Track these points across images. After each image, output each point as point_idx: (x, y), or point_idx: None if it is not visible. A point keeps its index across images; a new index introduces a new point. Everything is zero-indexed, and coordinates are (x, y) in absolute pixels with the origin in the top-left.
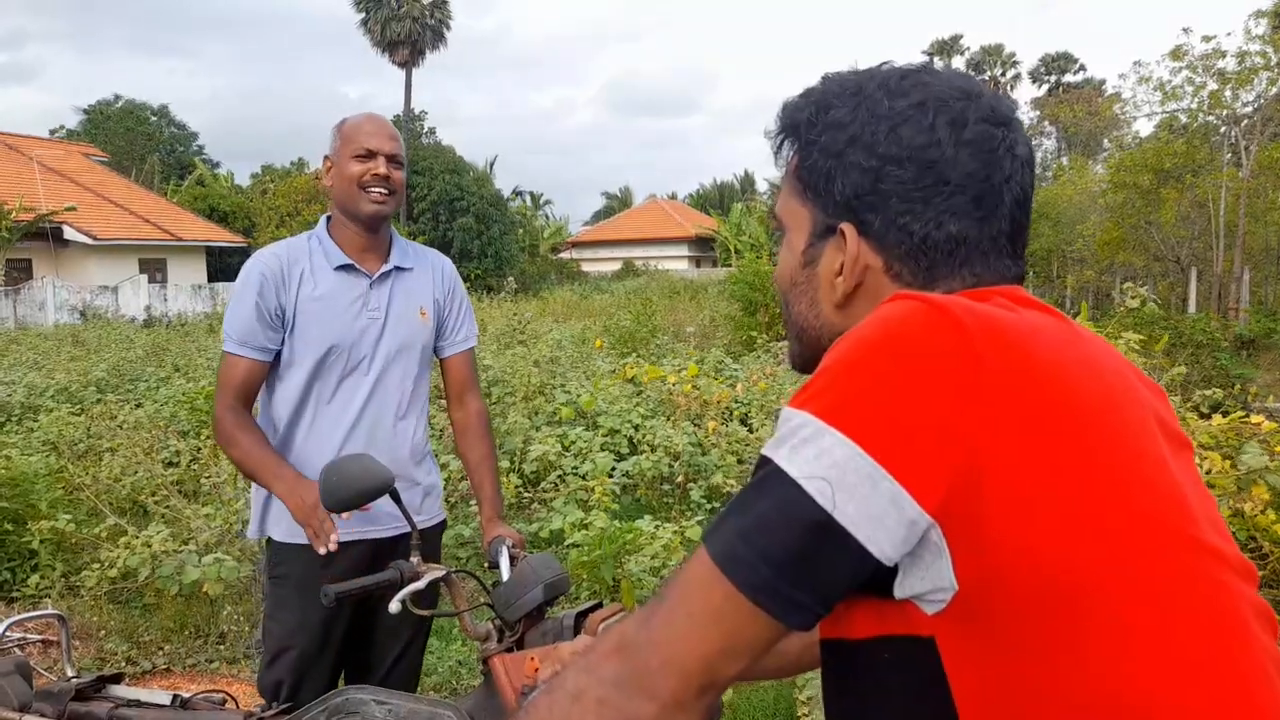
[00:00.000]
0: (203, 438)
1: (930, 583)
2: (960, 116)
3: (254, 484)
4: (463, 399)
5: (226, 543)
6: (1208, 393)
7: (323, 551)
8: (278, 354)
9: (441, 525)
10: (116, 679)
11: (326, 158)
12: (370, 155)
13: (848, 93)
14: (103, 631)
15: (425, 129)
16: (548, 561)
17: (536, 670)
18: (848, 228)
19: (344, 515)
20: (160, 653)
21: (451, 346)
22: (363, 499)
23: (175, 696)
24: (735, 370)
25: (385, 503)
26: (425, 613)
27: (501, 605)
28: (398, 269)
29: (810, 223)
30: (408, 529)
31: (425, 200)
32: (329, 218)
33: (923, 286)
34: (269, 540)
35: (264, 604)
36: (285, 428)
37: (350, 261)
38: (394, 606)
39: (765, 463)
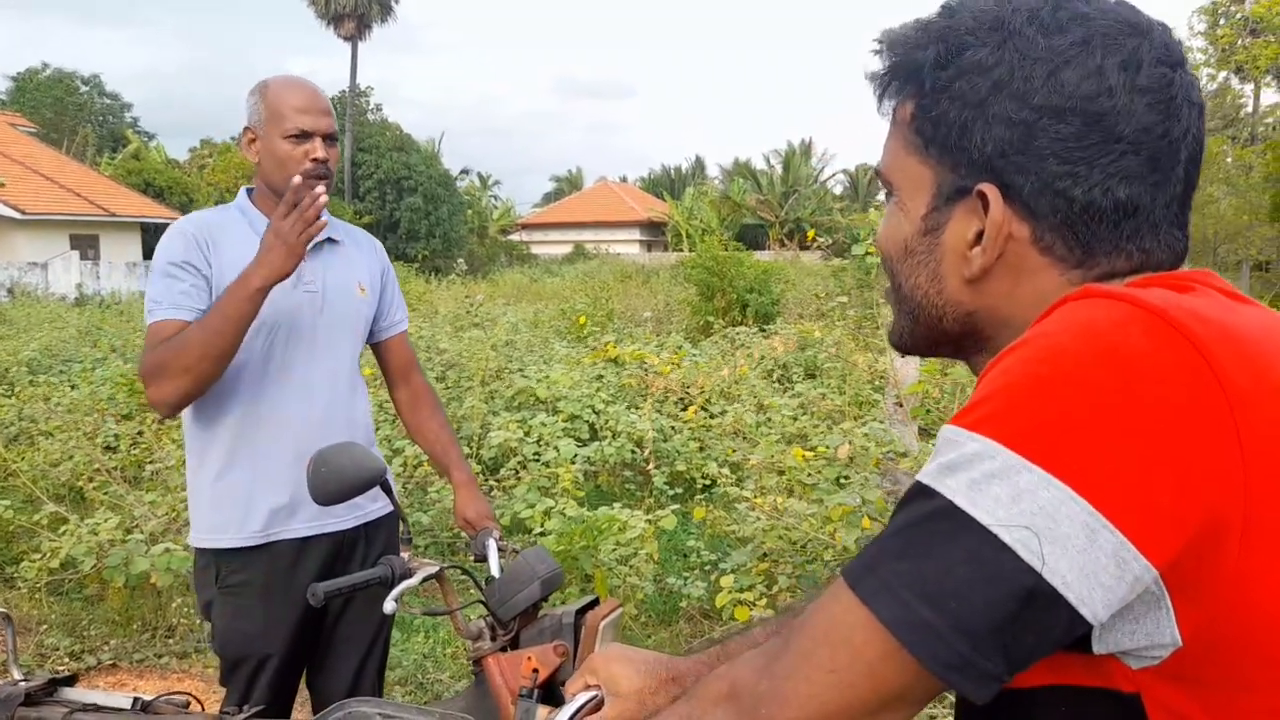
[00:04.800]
0: (146, 421)
1: (1145, 638)
2: (1133, 57)
3: (190, 484)
4: (407, 379)
5: (174, 532)
6: None
7: (322, 199)
8: None
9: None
10: (69, 681)
11: (248, 128)
12: (305, 136)
13: (986, 28)
14: (44, 626)
15: (371, 105)
16: (542, 556)
17: (535, 670)
18: (990, 190)
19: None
20: (106, 648)
21: (390, 328)
22: (353, 491)
23: (136, 699)
24: (695, 355)
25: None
26: (418, 612)
27: (495, 603)
28: (330, 241)
29: (934, 183)
30: (369, 520)
31: (371, 179)
32: (250, 190)
33: (1079, 262)
34: (209, 550)
35: (214, 613)
36: (236, 413)
37: None
38: (389, 606)
39: (927, 494)
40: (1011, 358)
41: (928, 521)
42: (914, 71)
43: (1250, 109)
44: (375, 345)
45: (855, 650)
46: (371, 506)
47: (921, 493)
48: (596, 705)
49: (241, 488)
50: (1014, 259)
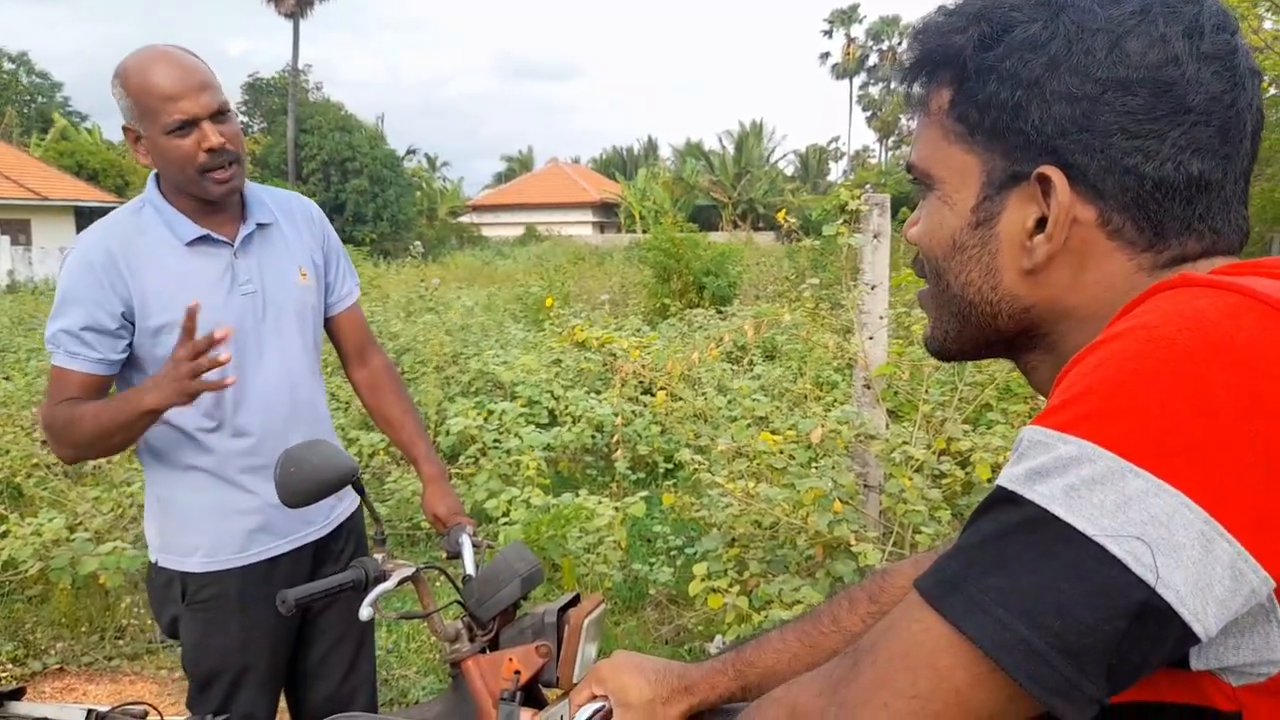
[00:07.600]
0: None
1: (1252, 653)
2: (1194, 24)
3: (149, 502)
4: (363, 357)
5: (121, 529)
6: None
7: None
8: (132, 357)
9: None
10: (17, 694)
11: (126, 127)
12: (190, 124)
13: (1032, 3)
14: None
15: (313, 84)
16: (522, 552)
17: (516, 672)
18: (1054, 172)
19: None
20: (52, 651)
21: (340, 303)
22: (325, 491)
23: (90, 711)
24: (659, 340)
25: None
26: (394, 615)
27: (474, 602)
28: (260, 226)
29: (983, 171)
30: (343, 520)
31: (315, 160)
32: (159, 177)
33: (1150, 245)
34: (168, 569)
35: (181, 629)
36: (194, 434)
37: (205, 232)
38: (365, 612)
39: (1015, 501)
40: (1104, 351)
41: (1020, 531)
42: (951, 56)
43: None
44: (325, 321)
45: (941, 674)
46: (341, 506)
47: (1008, 499)
48: (605, 716)
49: (210, 511)
50: (1079, 244)
